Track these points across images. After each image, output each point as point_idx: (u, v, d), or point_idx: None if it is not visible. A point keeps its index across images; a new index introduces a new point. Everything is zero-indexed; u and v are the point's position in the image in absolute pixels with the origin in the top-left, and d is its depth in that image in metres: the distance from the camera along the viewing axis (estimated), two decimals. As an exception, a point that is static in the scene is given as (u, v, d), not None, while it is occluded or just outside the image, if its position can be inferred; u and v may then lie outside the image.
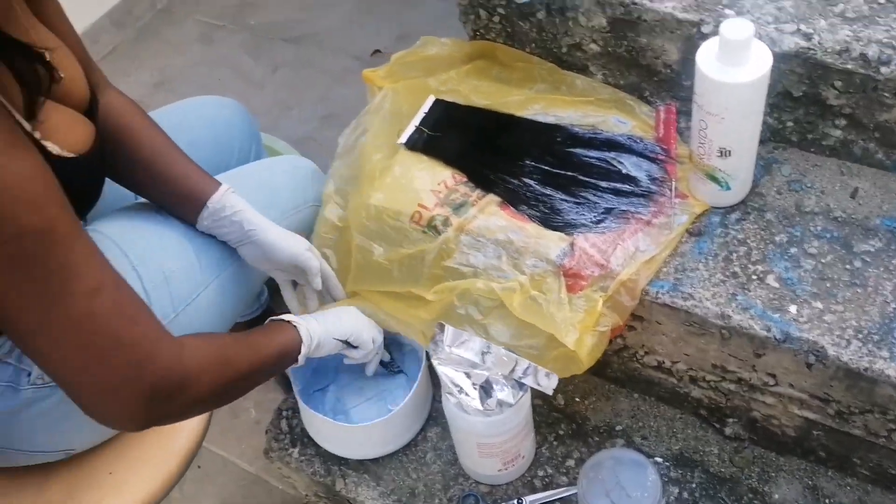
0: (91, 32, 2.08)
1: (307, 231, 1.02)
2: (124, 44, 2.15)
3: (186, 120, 1.06)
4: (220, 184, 0.90)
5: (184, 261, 0.89)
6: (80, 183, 0.75)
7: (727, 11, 0.92)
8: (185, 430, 0.89)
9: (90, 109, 0.78)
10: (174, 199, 0.89)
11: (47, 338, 0.62)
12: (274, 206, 0.95)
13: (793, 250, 0.88)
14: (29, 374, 0.79)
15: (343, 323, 0.92)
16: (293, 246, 0.91)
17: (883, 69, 0.84)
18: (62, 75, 0.71)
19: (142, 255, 0.87)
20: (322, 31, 2.06)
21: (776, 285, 0.86)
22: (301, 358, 0.85)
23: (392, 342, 1.04)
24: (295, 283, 0.99)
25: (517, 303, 0.86)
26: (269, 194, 0.97)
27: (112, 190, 0.93)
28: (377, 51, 1.90)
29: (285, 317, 0.87)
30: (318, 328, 0.88)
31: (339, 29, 2.05)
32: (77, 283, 0.62)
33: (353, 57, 1.96)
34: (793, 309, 0.84)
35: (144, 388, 0.66)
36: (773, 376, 0.87)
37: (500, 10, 1.07)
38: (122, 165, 0.88)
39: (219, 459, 1.37)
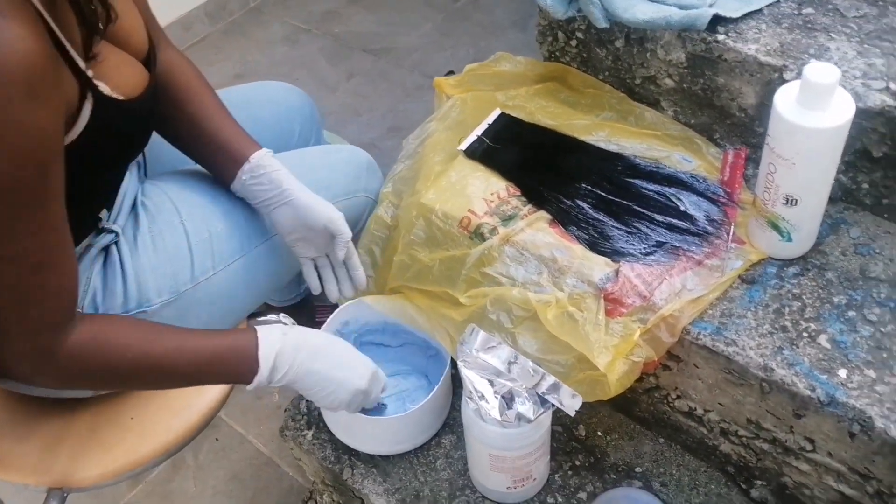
0: (185, 20, 2.17)
1: (354, 218, 1.02)
2: (214, 35, 2.24)
3: (252, 98, 1.08)
4: (261, 147, 0.90)
5: (230, 224, 0.90)
6: (127, 126, 0.76)
7: (813, 61, 0.90)
8: (209, 390, 0.91)
9: (148, 60, 0.80)
10: (216, 155, 0.90)
11: None
12: (328, 188, 0.95)
13: (851, 314, 0.84)
14: None
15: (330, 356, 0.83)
16: (328, 210, 0.90)
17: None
18: (116, 14, 0.72)
19: (191, 212, 0.89)
20: (401, 48, 2.10)
21: (828, 346, 0.81)
22: (251, 388, 0.78)
23: (419, 346, 1.02)
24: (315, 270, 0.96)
25: (551, 316, 0.83)
26: (325, 176, 0.97)
27: (172, 153, 0.95)
28: (451, 72, 1.91)
29: (262, 330, 0.79)
30: (288, 360, 0.78)
31: (418, 48, 2.09)
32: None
33: (427, 76, 1.99)
34: (842, 373, 0.79)
35: None
36: (812, 441, 0.82)
37: (579, 35, 1.07)
38: (169, 118, 0.90)
39: (237, 436, 1.37)
